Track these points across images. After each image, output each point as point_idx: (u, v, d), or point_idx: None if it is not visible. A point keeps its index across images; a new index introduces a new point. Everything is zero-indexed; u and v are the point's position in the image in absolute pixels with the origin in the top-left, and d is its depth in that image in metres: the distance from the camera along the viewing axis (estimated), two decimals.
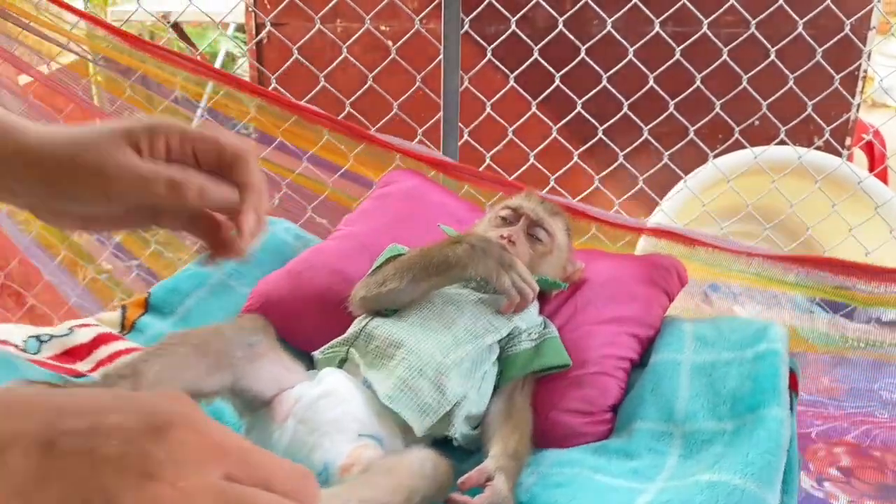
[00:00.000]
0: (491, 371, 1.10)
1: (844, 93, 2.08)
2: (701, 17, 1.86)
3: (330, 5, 1.87)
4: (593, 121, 1.89)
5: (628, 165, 1.95)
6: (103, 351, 1.14)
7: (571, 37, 1.87)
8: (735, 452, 0.94)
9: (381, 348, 1.05)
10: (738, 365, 1.10)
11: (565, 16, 1.84)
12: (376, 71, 1.87)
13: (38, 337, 1.14)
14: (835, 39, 1.93)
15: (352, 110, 1.87)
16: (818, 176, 1.99)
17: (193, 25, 3.70)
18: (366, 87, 1.88)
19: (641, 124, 1.89)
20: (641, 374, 1.16)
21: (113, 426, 0.35)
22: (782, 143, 2.04)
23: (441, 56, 1.75)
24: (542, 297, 1.23)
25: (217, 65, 3.50)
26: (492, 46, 1.86)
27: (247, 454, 0.38)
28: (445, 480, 0.91)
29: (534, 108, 1.92)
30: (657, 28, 1.84)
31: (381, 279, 1.12)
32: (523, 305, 1.11)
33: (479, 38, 1.96)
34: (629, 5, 1.84)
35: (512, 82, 1.87)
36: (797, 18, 1.85)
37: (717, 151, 2.06)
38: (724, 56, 1.86)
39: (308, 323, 1.22)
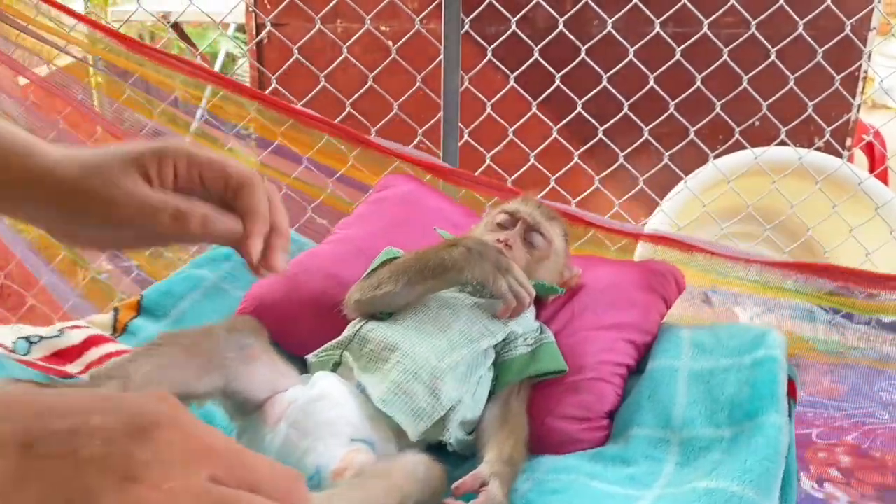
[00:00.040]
0: (486, 376, 1.09)
1: (845, 93, 2.08)
2: (701, 17, 1.86)
3: (330, 5, 1.87)
4: (593, 121, 1.89)
5: (628, 166, 1.95)
6: (94, 353, 1.12)
7: (572, 37, 1.86)
8: (733, 459, 0.93)
9: (376, 352, 1.04)
10: (736, 371, 1.10)
11: (566, 16, 1.84)
12: (377, 71, 1.87)
13: (27, 338, 1.12)
14: (835, 40, 1.93)
15: (352, 110, 1.87)
16: (818, 177, 1.99)
17: (194, 26, 3.70)
18: (366, 87, 1.88)
19: (642, 125, 1.89)
20: (638, 380, 1.15)
21: (96, 427, 0.34)
22: (783, 143, 2.04)
23: (441, 56, 1.75)
24: (539, 303, 1.22)
25: (217, 65, 3.50)
26: (492, 47, 1.86)
27: (234, 455, 0.37)
28: (439, 485, 0.90)
29: (534, 109, 1.92)
30: (657, 28, 1.84)
31: (377, 282, 1.10)
32: (520, 310, 1.09)
33: (479, 39, 1.96)
34: (629, 6, 1.84)
35: (512, 82, 1.87)
36: (797, 19, 1.85)
37: (717, 152, 2.05)
38: (725, 56, 1.86)
39: (302, 327, 1.20)
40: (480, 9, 1.84)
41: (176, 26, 2.98)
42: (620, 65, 1.86)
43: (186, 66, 1.65)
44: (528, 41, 1.85)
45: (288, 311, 1.22)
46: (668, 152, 1.93)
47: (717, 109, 1.92)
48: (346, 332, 1.10)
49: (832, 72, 1.93)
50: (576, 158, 1.95)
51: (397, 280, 1.08)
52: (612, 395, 1.13)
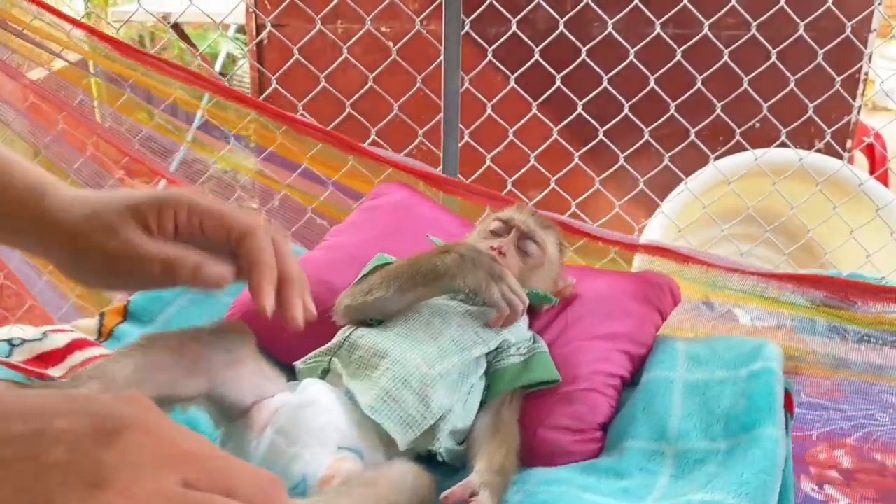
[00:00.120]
0: (478, 385, 1.07)
1: (845, 95, 2.08)
2: (702, 18, 1.86)
3: (330, 6, 1.87)
4: (594, 122, 1.89)
5: (629, 167, 1.94)
6: (77, 357, 1.11)
7: (572, 38, 1.86)
8: (729, 472, 0.92)
9: (365, 358, 1.02)
10: (732, 383, 1.08)
11: (566, 17, 1.84)
12: (377, 72, 1.87)
13: (9, 341, 1.11)
14: (836, 41, 1.93)
15: (352, 111, 1.87)
16: (819, 178, 1.99)
17: (194, 27, 3.70)
18: (366, 87, 1.88)
19: (642, 126, 1.89)
20: (633, 392, 1.14)
21: (60, 430, 0.33)
22: (783, 145, 2.04)
23: (442, 57, 1.74)
24: (532, 312, 1.21)
25: (217, 66, 3.51)
26: (492, 47, 1.86)
27: (207, 459, 0.36)
28: (427, 495, 0.88)
29: (534, 110, 1.92)
30: (658, 29, 1.84)
31: (367, 288, 1.08)
32: (512, 318, 1.07)
33: (479, 40, 1.95)
34: (630, 7, 1.84)
35: (512, 83, 1.87)
36: (798, 20, 1.85)
37: (717, 153, 2.06)
38: (725, 58, 1.86)
39: (291, 333, 1.18)
40: (481, 10, 1.84)
41: (176, 27, 2.98)
42: (621, 66, 1.86)
43: (181, 73, 1.63)
44: (529, 42, 1.85)
45: (276, 317, 1.20)
46: (669, 153, 1.93)
47: (718, 111, 1.92)
48: (336, 339, 1.07)
49: (833, 73, 1.93)
50: (576, 159, 1.95)
51: (388, 286, 1.06)
52: (605, 406, 1.11)
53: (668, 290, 1.29)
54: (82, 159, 1.78)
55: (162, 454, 0.34)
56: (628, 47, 1.85)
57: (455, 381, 1.03)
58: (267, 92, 2.16)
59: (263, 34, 2.33)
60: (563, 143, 1.96)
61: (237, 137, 1.79)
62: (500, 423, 1.05)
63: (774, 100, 1.92)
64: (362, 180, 1.71)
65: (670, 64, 1.86)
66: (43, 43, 1.70)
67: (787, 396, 1.08)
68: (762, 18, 1.87)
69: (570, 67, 1.85)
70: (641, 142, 1.92)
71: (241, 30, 3.46)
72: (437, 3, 1.89)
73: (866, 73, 2.29)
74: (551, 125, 1.92)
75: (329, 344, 1.07)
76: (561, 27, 1.83)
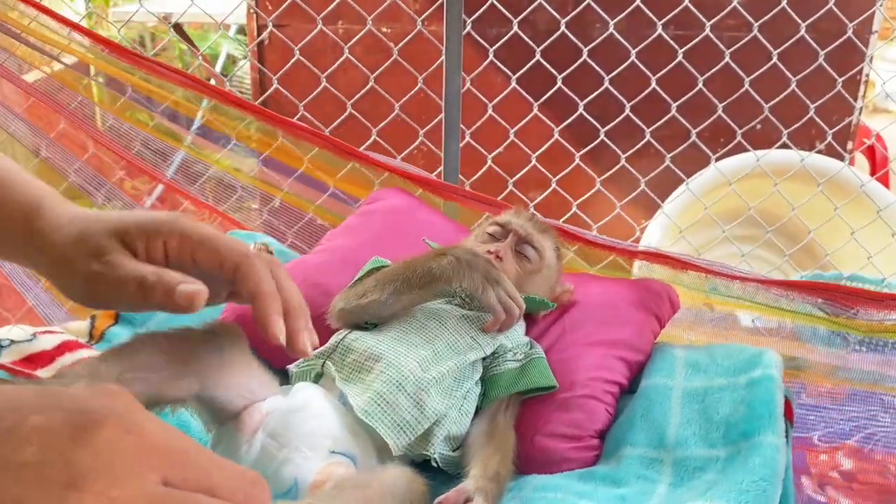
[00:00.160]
0: (474, 390, 1.06)
1: (847, 96, 2.08)
2: (703, 19, 1.86)
3: (331, 6, 1.86)
4: (595, 123, 1.89)
5: (630, 167, 1.94)
6: (68, 358, 1.10)
7: (574, 38, 1.86)
8: (728, 480, 0.91)
9: (359, 362, 1.00)
10: (732, 391, 1.07)
11: (567, 17, 1.84)
12: (378, 72, 1.87)
13: None
14: (837, 43, 1.93)
15: (353, 111, 1.87)
16: (820, 179, 1.99)
17: (195, 27, 3.70)
18: (367, 88, 1.88)
19: (643, 126, 1.89)
20: (631, 399, 1.13)
21: (33, 428, 0.31)
22: (784, 146, 2.04)
23: (443, 57, 1.74)
24: (529, 318, 1.20)
25: (218, 66, 3.51)
26: (494, 48, 1.86)
27: (187, 456, 0.34)
28: (420, 499, 0.87)
29: (535, 110, 1.92)
30: (659, 30, 1.84)
31: (362, 291, 1.07)
32: (509, 323, 1.06)
33: (480, 40, 1.96)
34: (631, 7, 1.84)
35: (514, 84, 1.87)
36: (799, 21, 1.85)
37: (718, 154, 2.05)
38: (727, 59, 1.86)
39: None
40: (482, 10, 1.84)
41: (177, 27, 2.98)
42: (622, 66, 1.86)
43: (179, 77, 1.62)
44: (530, 42, 1.85)
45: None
46: (670, 154, 1.93)
47: (719, 112, 1.92)
48: (330, 342, 1.06)
49: (834, 74, 1.93)
50: (577, 160, 1.95)
51: (383, 289, 1.05)
52: (603, 413, 1.09)
53: (666, 298, 1.29)
54: (83, 160, 1.78)
55: (140, 452, 0.33)
56: (629, 48, 1.85)
57: (450, 385, 1.01)
58: (268, 92, 2.16)
59: (264, 34, 2.33)
60: (564, 143, 1.96)
61: (231, 140, 1.79)
62: (496, 429, 1.04)
63: (775, 101, 1.92)
64: (360, 185, 1.70)
65: (671, 65, 1.86)
66: (42, 46, 1.69)
67: (787, 405, 1.07)
68: (763, 20, 1.87)
69: (572, 68, 1.85)
70: (642, 142, 1.91)
71: (241, 30, 3.46)
72: (438, 3, 1.89)
73: (867, 75, 2.29)
74: (552, 126, 1.92)
75: (323, 347, 1.05)
76: (562, 28, 1.83)
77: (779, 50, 1.86)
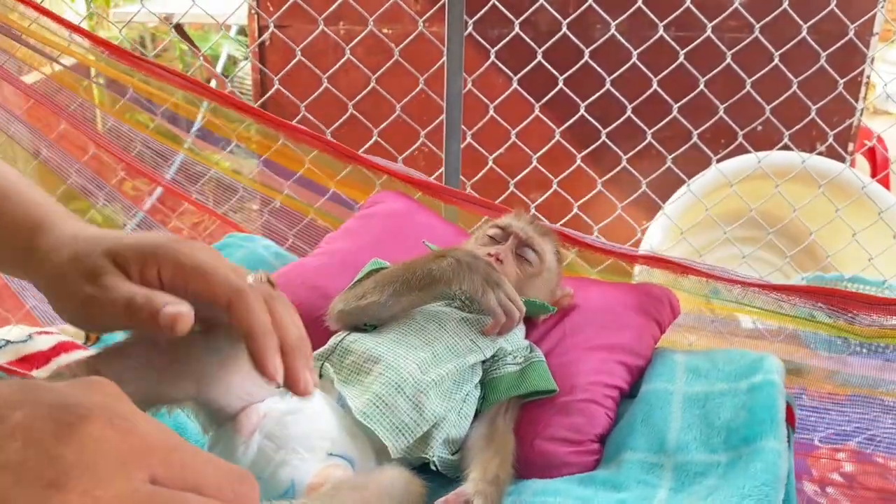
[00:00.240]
0: (473, 393, 1.05)
1: (848, 97, 2.08)
2: (705, 21, 1.86)
3: (333, 7, 1.86)
4: (596, 124, 1.89)
5: (631, 169, 1.94)
6: (63, 359, 1.08)
7: (575, 40, 1.87)
8: (729, 485, 0.90)
9: (358, 363, 1.00)
10: (733, 396, 1.06)
11: (569, 19, 1.84)
12: (379, 73, 1.87)
13: None
14: (838, 44, 1.93)
15: (354, 112, 1.87)
16: (821, 181, 1.99)
17: (195, 28, 3.70)
18: (368, 88, 1.88)
19: (645, 128, 1.89)
20: (631, 404, 1.12)
21: (15, 425, 0.30)
22: (785, 147, 2.04)
23: (444, 58, 1.74)
24: (529, 322, 1.19)
25: (219, 67, 3.51)
26: (495, 49, 1.86)
27: (173, 453, 0.33)
28: (418, 502, 0.86)
29: (537, 111, 1.92)
30: (661, 32, 1.84)
31: (361, 292, 1.06)
32: (509, 326, 1.05)
33: (482, 41, 1.96)
34: (633, 9, 1.84)
35: (515, 85, 1.87)
36: (801, 23, 1.85)
37: (720, 156, 2.05)
38: (728, 60, 1.86)
39: None
40: (483, 11, 1.84)
41: (178, 28, 2.99)
42: (623, 68, 1.86)
43: (178, 79, 1.62)
44: (532, 43, 1.85)
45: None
46: (671, 156, 1.93)
47: (720, 113, 1.92)
48: (328, 344, 1.05)
49: (835, 76, 1.93)
50: (578, 161, 1.95)
51: (382, 291, 1.04)
52: (603, 417, 1.09)
53: (666, 303, 1.28)
54: (83, 161, 1.77)
55: (126, 449, 0.31)
56: (631, 49, 1.85)
57: (449, 388, 1.01)
58: (269, 93, 2.16)
59: (265, 35, 2.33)
60: (566, 144, 1.96)
61: (231, 141, 1.79)
62: (495, 433, 1.03)
63: (777, 102, 1.92)
64: (361, 188, 1.70)
65: (673, 66, 1.86)
66: (42, 48, 1.69)
67: (789, 410, 1.07)
68: (765, 21, 1.87)
69: (573, 69, 1.85)
70: (644, 144, 1.91)
71: (242, 31, 3.46)
72: (439, 4, 1.89)
73: (868, 76, 2.29)
74: (553, 127, 1.92)
75: (321, 349, 1.05)
76: (564, 29, 1.83)
77: (780, 51, 1.86)
